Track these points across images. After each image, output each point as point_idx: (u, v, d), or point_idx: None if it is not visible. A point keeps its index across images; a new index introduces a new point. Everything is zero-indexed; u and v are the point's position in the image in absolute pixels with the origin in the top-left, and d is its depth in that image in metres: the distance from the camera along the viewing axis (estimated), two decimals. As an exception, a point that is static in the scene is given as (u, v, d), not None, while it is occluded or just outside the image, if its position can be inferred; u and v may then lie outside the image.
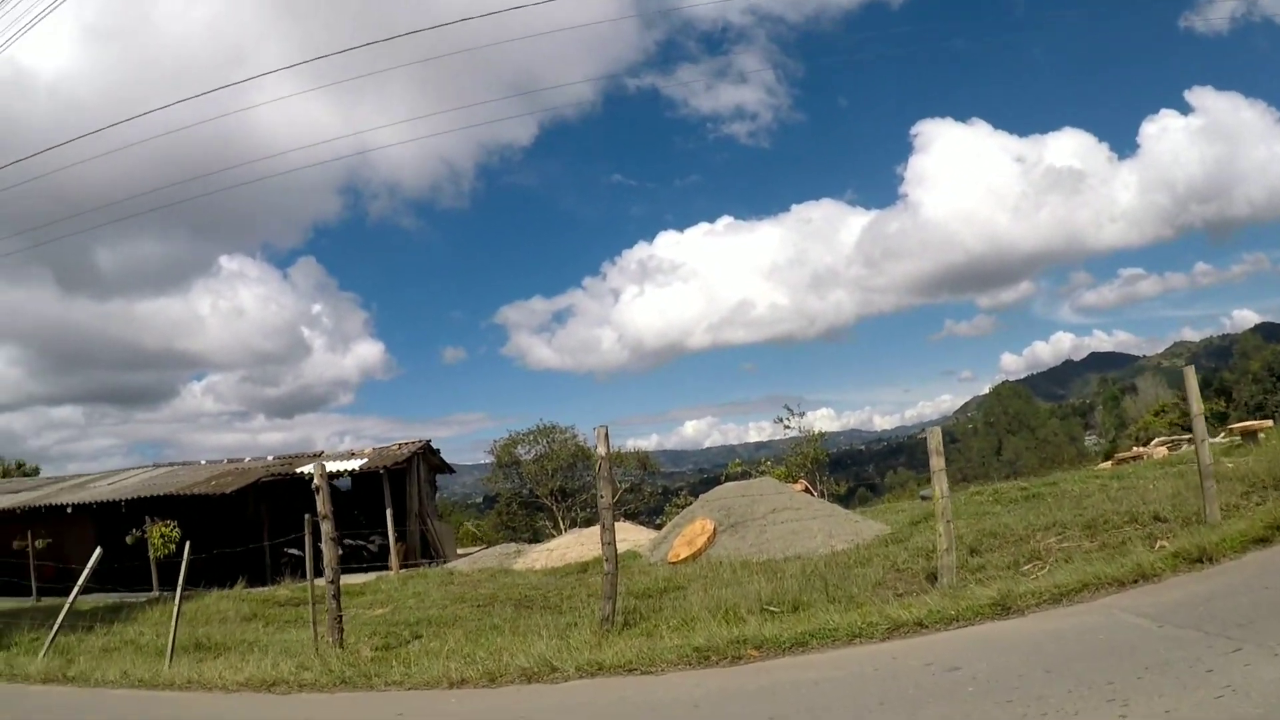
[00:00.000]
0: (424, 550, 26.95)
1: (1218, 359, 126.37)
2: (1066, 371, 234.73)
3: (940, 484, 8.49)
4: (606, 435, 8.59)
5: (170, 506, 22.61)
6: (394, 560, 23.88)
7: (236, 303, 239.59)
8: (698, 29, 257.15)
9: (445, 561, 24.90)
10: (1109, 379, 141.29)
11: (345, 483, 28.87)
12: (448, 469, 32.04)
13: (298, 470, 24.79)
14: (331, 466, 25.21)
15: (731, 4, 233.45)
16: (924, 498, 27.08)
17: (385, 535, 25.24)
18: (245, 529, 25.96)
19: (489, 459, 44.32)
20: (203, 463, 29.29)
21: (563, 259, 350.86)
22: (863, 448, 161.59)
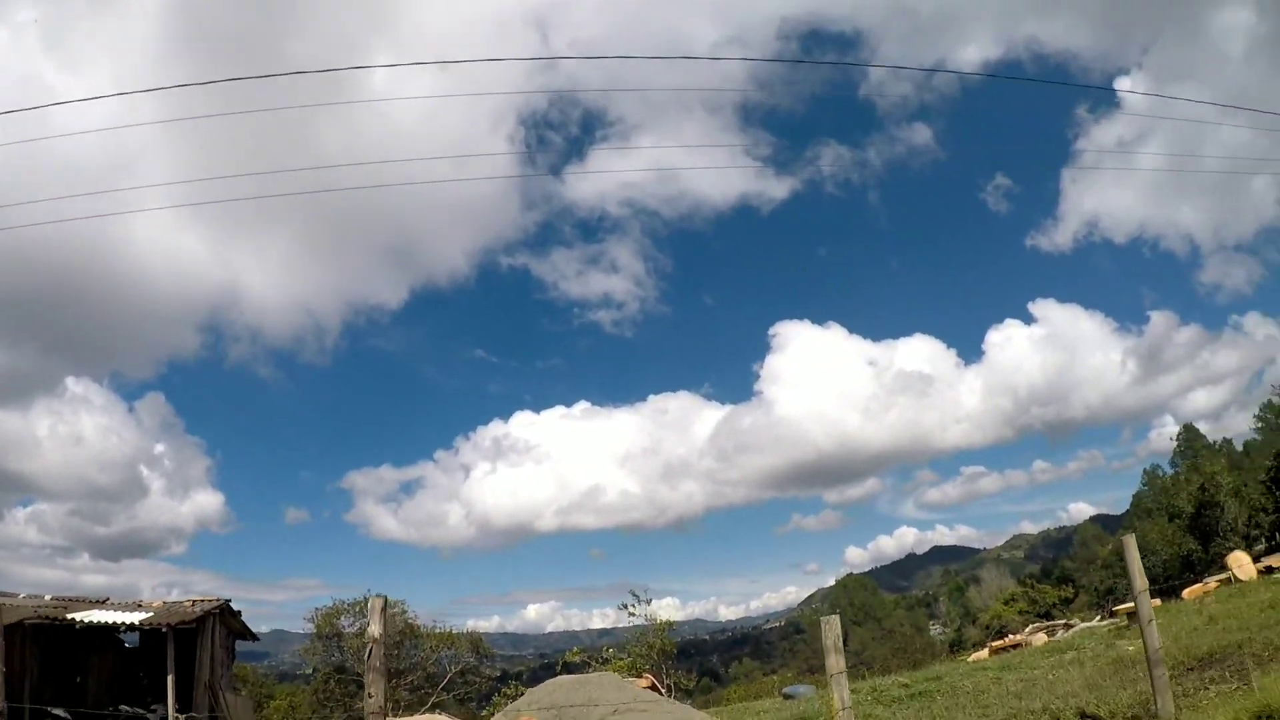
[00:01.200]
0: (215, 725, 22.64)
1: (1055, 549, 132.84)
2: (910, 564, 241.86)
3: (841, 690, 6.56)
4: (383, 608, 6.47)
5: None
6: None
7: (77, 428, 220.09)
8: (575, 215, 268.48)
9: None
10: (952, 571, 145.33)
11: (134, 639, 24.69)
12: (249, 635, 27.80)
13: (71, 616, 20.71)
14: (108, 617, 21.19)
15: (610, 195, 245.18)
16: (787, 696, 24.88)
17: (163, 705, 21.06)
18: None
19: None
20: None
21: (417, 429, 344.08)
22: (707, 637, 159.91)
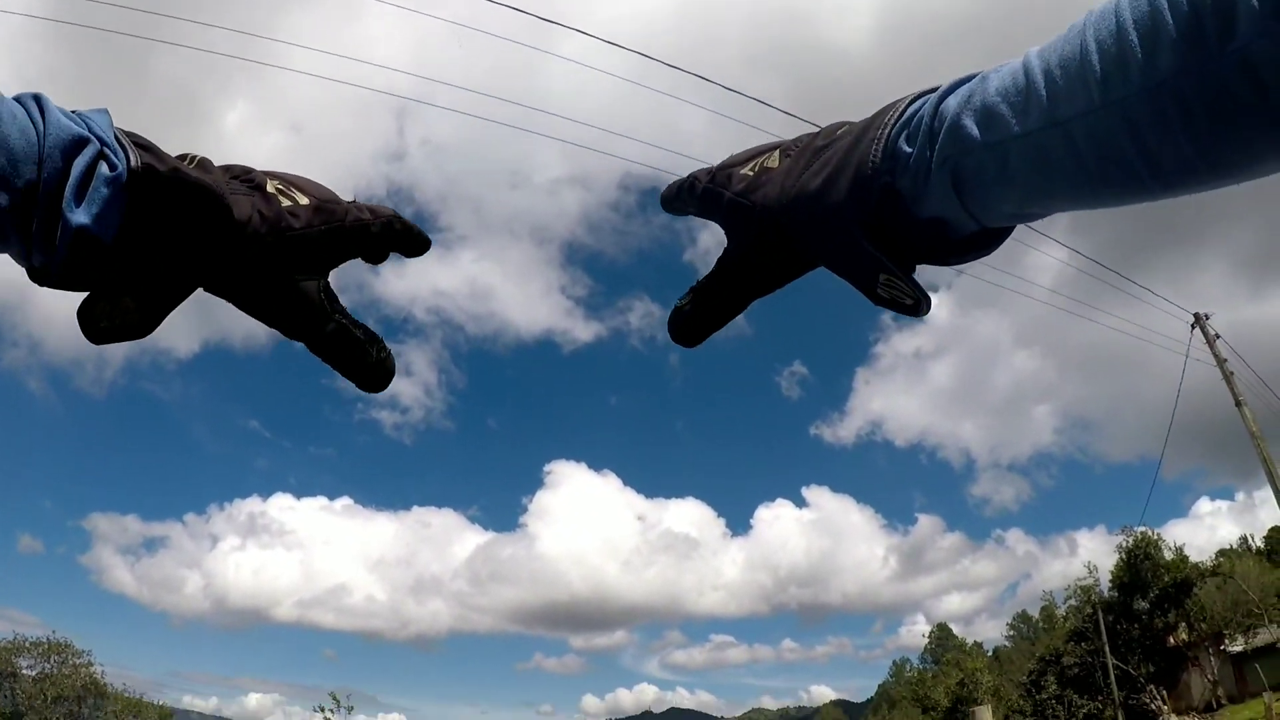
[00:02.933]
0: None
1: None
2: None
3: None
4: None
5: None
6: None
7: None
8: (382, 309, 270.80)
9: None
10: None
11: None
12: None
13: None
14: None
15: (421, 299, 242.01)
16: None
17: None
18: None
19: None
20: None
21: (174, 484, 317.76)
22: None
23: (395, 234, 0.81)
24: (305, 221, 0.76)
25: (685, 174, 0.88)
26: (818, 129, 0.79)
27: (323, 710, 26.58)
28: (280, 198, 0.76)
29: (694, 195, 0.86)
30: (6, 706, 33.16)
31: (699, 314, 0.87)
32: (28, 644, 33.81)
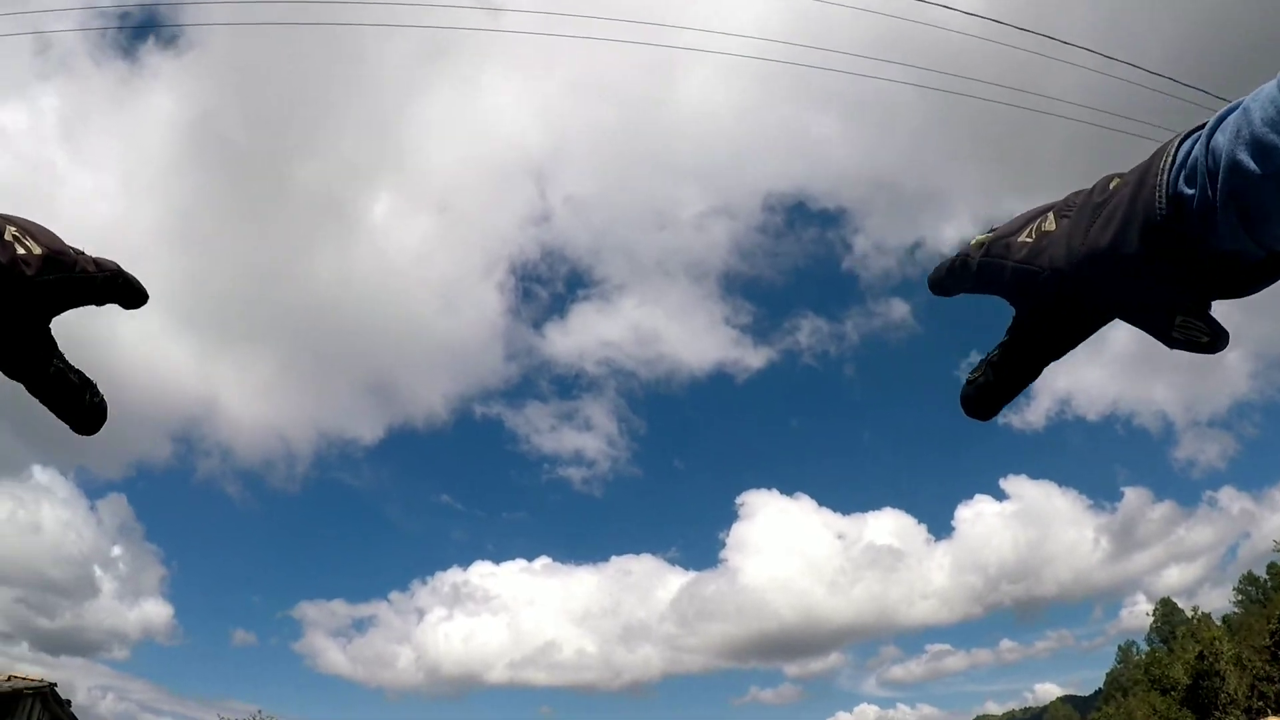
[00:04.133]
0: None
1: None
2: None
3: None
4: None
5: None
6: None
7: (37, 516, 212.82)
8: (554, 369, 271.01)
9: None
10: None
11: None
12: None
13: None
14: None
15: (589, 353, 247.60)
16: None
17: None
18: None
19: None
20: None
21: (375, 566, 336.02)
22: None
23: (117, 286, 0.86)
24: (36, 269, 0.78)
25: (950, 255, 0.93)
26: (1082, 189, 0.82)
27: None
28: (16, 245, 0.78)
29: (968, 272, 0.90)
30: None
31: (998, 385, 0.90)
32: None
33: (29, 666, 27.14)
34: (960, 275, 0.90)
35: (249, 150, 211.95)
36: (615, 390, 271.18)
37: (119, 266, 0.84)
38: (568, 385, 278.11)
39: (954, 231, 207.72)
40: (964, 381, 0.90)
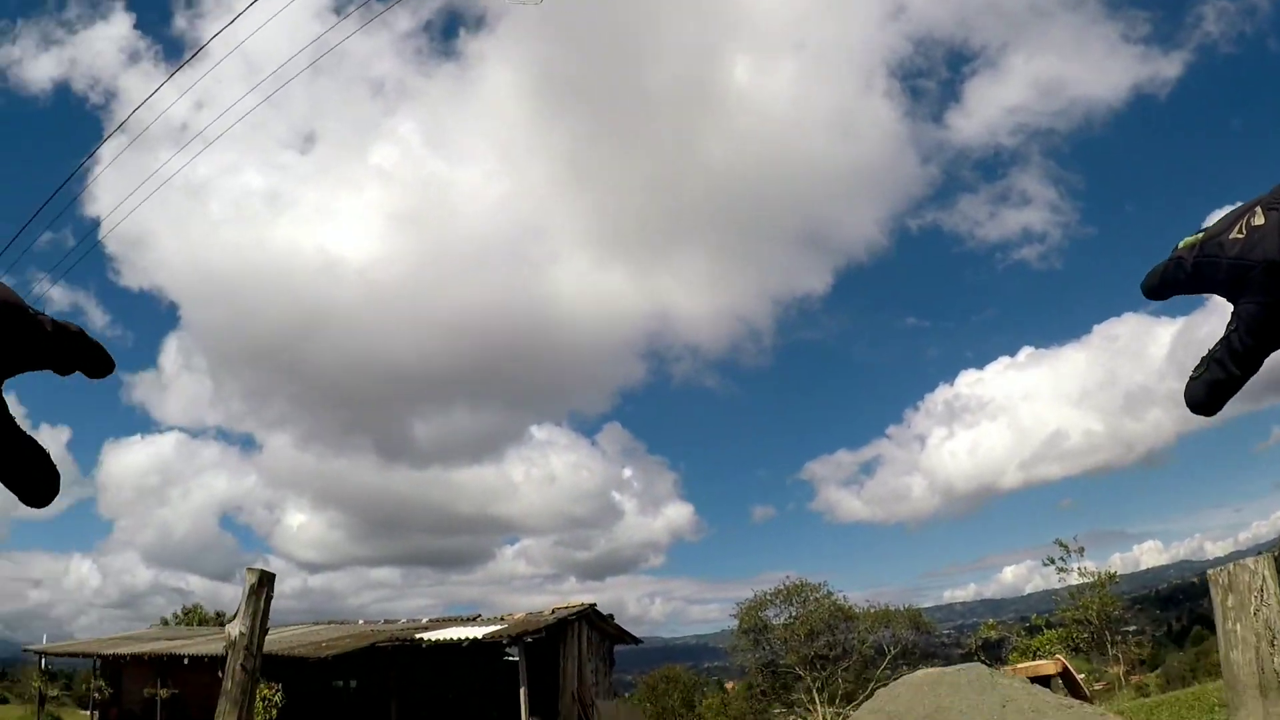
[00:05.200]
0: (582, 739, 22.52)
1: None
2: None
3: None
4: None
5: (273, 667, 20.47)
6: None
7: (548, 469, 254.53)
8: (971, 157, 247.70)
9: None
10: None
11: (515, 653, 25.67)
12: (629, 639, 27.60)
13: (418, 637, 21.83)
14: (452, 634, 21.99)
15: (998, 126, 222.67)
16: None
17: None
18: (363, 697, 23.41)
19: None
20: (359, 622, 27.48)
21: (865, 408, 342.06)
22: (1195, 580, 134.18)
23: (80, 350, 0.87)
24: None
25: (1163, 260, 0.99)
26: None
27: (1053, 562, 26.05)
28: None
29: (1183, 273, 0.96)
30: (766, 656, 37.76)
31: (1228, 380, 0.95)
32: (768, 597, 37.77)
33: (579, 596, 32.20)
34: (1175, 277, 0.97)
35: (594, 78, 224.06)
36: (1039, 154, 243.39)
37: (82, 330, 0.83)
38: (990, 167, 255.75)
39: None
40: (1188, 379, 0.96)
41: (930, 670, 13.29)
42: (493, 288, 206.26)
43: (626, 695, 38.26)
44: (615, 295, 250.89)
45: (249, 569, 3.23)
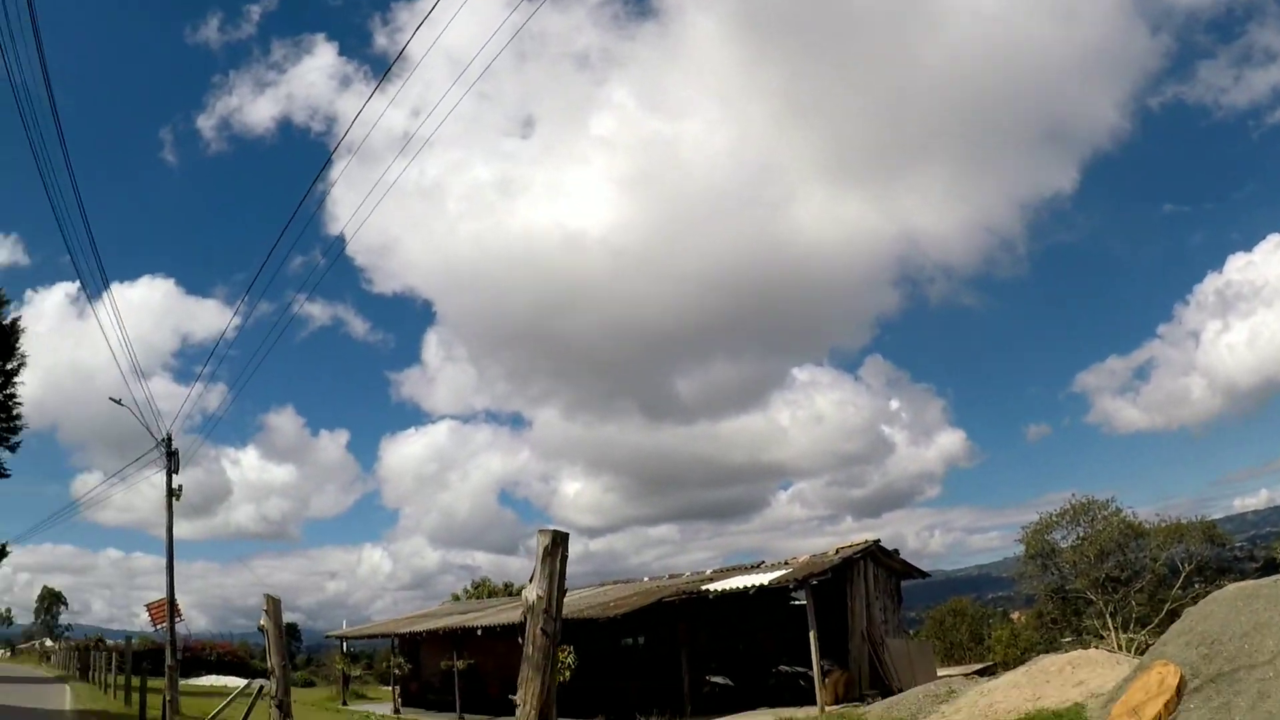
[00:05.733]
0: (874, 679, 21.84)
1: None
2: None
3: None
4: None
5: (563, 630, 21.27)
6: (820, 693, 19.48)
7: (813, 410, 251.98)
8: (1202, 18, 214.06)
9: (897, 693, 19.57)
10: None
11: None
12: (915, 573, 26.41)
13: (704, 588, 21.91)
14: (737, 583, 21.90)
15: None
16: None
17: (830, 662, 20.90)
18: (652, 653, 23.87)
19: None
20: (644, 580, 28.16)
21: (1131, 309, 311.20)
22: None
23: None
24: None
25: None
26: None
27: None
28: None
29: None
30: (1055, 582, 35.47)
31: None
32: (1053, 518, 35.79)
33: (857, 535, 31.36)
34: None
35: (797, 8, 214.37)
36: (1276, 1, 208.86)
37: None
38: (1225, 26, 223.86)
39: None
40: None
41: (1244, 584, 11.51)
42: (733, 236, 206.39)
43: (913, 632, 37.01)
44: (857, 224, 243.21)
45: (541, 530, 3.04)
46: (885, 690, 21.05)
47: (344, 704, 31.52)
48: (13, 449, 44.09)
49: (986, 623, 44.25)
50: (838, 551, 23.35)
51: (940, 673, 24.58)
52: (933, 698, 16.34)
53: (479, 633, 23.86)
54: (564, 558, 2.58)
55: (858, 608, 22.66)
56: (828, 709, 18.93)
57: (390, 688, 32.68)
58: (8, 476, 44.10)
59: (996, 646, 38.55)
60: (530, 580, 2.85)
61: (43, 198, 70.13)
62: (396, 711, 28.15)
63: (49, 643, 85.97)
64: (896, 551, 25.28)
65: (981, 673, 23.99)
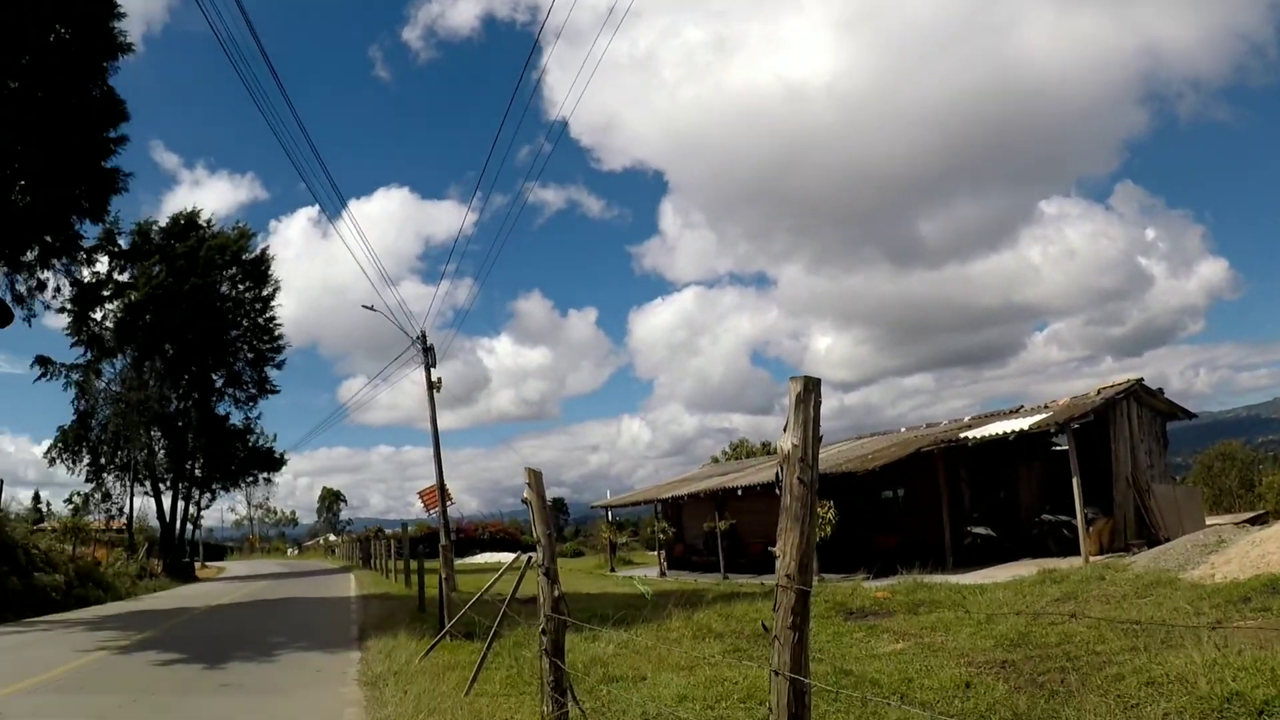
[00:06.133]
0: (1139, 527, 21.23)
1: None
2: None
3: None
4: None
5: (822, 485, 21.96)
6: (1084, 542, 19.25)
7: (1064, 245, 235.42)
8: None
9: (1164, 542, 18.99)
10: None
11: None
12: (1182, 413, 24.94)
13: (962, 435, 21.89)
14: (995, 429, 21.68)
15: None
16: None
17: (1094, 509, 20.50)
18: (912, 504, 24.09)
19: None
20: (901, 430, 28.37)
21: None
22: None
23: None
24: None
25: None
26: None
27: None
28: None
29: None
30: None
31: None
32: None
33: (1117, 376, 29.52)
34: None
35: None
36: None
37: None
38: None
39: None
40: None
41: None
42: (961, 67, 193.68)
43: (1179, 478, 35.05)
44: (1092, 41, 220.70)
45: (792, 379, 3.12)
46: (1151, 539, 20.35)
47: (611, 570, 33.69)
48: (279, 366, 50.05)
49: (1257, 468, 41.10)
50: (1099, 392, 22.42)
51: (1209, 521, 23.39)
52: (1201, 547, 15.65)
53: (739, 493, 24.71)
54: (817, 404, 2.66)
55: (1121, 452, 21.83)
56: (1092, 559, 18.56)
57: (655, 552, 34.68)
58: (277, 392, 49.97)
59: (1268, 494, 35.91)
60: (784, 430, 2.80)
61: (269, 136, 76.25)
62: (662, 575, 29.53)
63: (332, 537, 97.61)
64: (1161, 391, 23.97)
65: (1253, 521, 22.61)
